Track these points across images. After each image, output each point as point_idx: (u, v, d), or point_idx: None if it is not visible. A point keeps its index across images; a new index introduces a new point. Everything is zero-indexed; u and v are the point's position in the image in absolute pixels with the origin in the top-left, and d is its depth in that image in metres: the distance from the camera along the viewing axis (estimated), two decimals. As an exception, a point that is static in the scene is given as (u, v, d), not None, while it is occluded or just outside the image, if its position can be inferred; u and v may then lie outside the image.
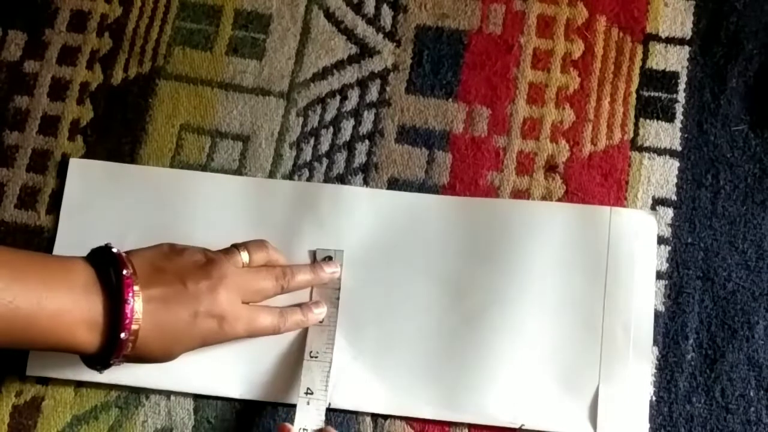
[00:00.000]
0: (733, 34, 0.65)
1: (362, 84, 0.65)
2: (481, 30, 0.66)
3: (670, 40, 0.65)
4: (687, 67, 0.65)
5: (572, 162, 0.63)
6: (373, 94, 0.65)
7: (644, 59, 0.65)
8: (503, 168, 0.63)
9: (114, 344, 0.50)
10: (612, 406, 0.58)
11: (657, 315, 0.60)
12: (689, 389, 0.59)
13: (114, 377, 0.59)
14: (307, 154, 0.64)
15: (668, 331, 0.60)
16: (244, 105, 0.65)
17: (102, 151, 0.65)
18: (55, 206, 0.64)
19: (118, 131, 0.65)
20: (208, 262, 0.54)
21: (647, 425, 0.58)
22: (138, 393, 0.60)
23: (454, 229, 0.62)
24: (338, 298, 0.60)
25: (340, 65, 0.66)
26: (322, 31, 0.67)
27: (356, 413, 0.59)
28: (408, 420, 0.59)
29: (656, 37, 0.65)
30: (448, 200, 0.62)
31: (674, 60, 0.65)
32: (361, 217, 0.62)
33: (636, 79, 0.64)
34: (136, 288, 0.50)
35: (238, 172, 0.64)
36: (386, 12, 0.67)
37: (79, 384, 0.60)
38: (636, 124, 0.64)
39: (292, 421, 0.58)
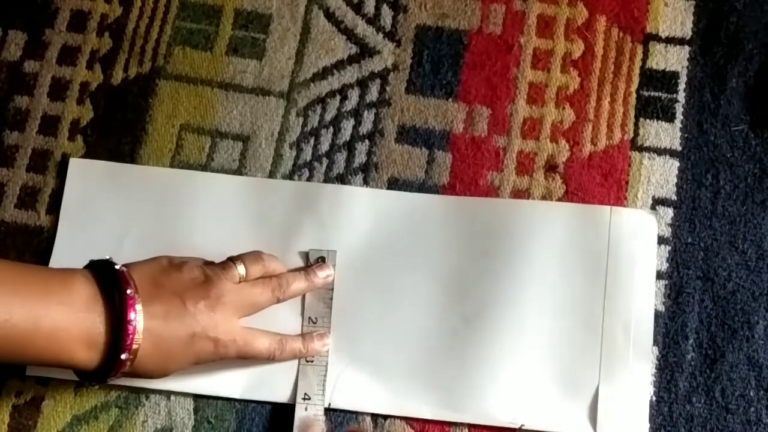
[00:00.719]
0: (733, 34, 0.65)
1: (362, 84, 0.65)
2: (481, 30, 0.66)
3: (670, 40, 0.65)
4: (687, 67, 0.65)
5: (572, 162, 0.63)
6: (373, 94, 0.65)
7: (644, 59, 0.65)
8: (503, 168, 0.63)
9: (113, 363, 0.49)
10: (612, 407, 0.58)
11: (657, 315, 0.60)
12: (689, 389, 0.59)
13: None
14: (307, 154, 0.64)
15: (668, 331, 0.60)
16: (244, 105, 0.65)
17: (102, 151, 0.65)
18: (55, 206, 0.64)
19: (118, 131, 0.65)
20: (206, 280, 0.54)
21: (647, 425, 0.58)
22: (138, 393, 0.60)
23: (453, 229, 0.62)
24: (331, 299, 0.60)
25: (340, 65, 0.66)
26: (322, 31, 0.67)
27: (356, 413, 0.59)
28: (408, 420, 0.59)
29: (656, 37, 0.65)
30: (447, 200, 0.62)
31: (674, 60, 0.65)
32: (360, 216, 0.62)
33: (636, 79, 0.64)
34: (138, 307, 0.50)
35: (238, 172, 0.64)
36: (386, 12, 0.67)
37: (79, 384, 0.60)
38: (636, 124, 0.64)
39: (291, 424, 0.58)
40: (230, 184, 0.63)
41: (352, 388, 0.59)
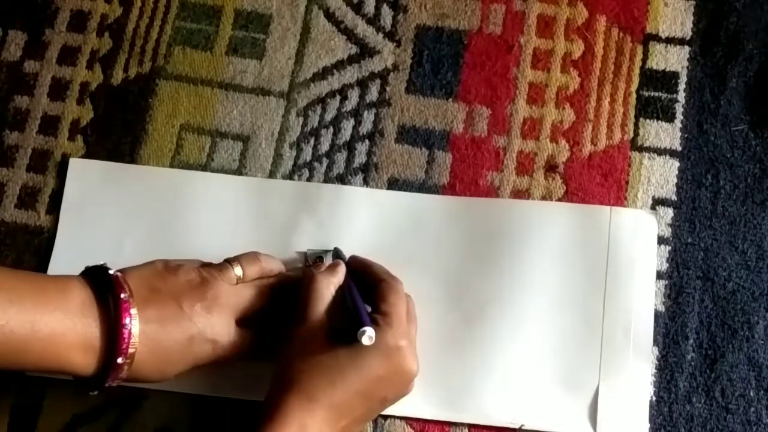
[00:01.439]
0: (733, 34, 0.65)
1: (362, 84, 0.65)
2: (481, 30, 0.66)
3: (670, 40, 0.65)
4: (687, 67, 0.65)
5: (572, 162, 0.63)
6: (373, 94, 0.65)
7: (644, 59, 0.65)
8: (503, 168, 0.63)
9: (110, 367, 0.49)
10: (612, 406, 0.58)
11: (657, 315, 0.60)
12: (689, 389, 0.59)
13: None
14: (307, 154, 0.64)
15: (668, 331, 0.60)
16: (244, 105, 0.65)
17: (102, 151, 0.65)
18: (55, 206, 0.64)
19: (118, 131, 0.65)
20: (202, 282, 0.53)
21: (647, 425, 0.58)
22: (138, 393, 0.60)
23: (452, 229, 0.62)
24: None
25: (340, 65, 0.66)
26: (322, 31, 0.67)
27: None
28: (408, 420, 0.59)
29: (656, 37, 0.65)
30: (447, 200, 0.62)
31: (674, 60, 0.65)
32: (359, 217, 0.62)
33: (636, 79, 0.64)
34: (133, 311, 0.49)
35: (238, 172, 0.64)
36: (386, 12, 0.67)
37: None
38: (636, 124, 0.64)
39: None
40: (230, 184, 0.63)
41: None
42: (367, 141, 0.64)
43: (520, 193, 0.63)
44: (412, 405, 0.58)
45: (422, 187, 0.63)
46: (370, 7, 0.67)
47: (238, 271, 0.56)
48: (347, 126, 0.65)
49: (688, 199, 0.62)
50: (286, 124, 0.65)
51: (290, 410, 0.49)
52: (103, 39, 0.67)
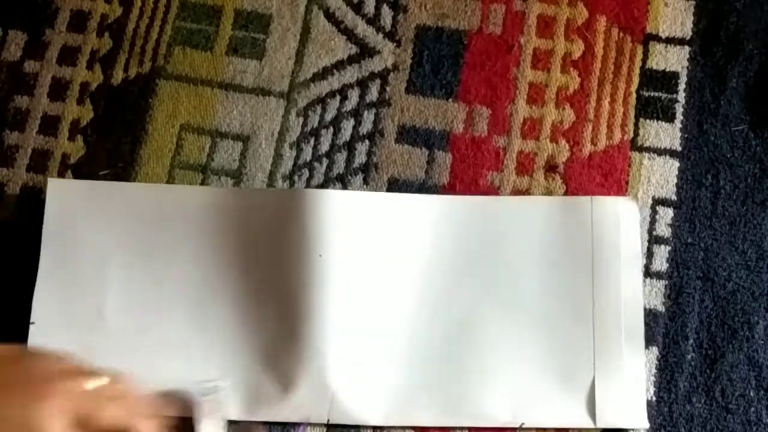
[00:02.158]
0: (733, 34, 0.65)
1: (362, 84, 0.65)
2: (481, 30, 0.66)
3: (670, 40, 0.65)
4: (687, 67, 0.65)
5: (572, 162, 0.63)
6: (373, 94, 0.65)
7: (644, 59, 0.65)
8: (503, 168, 0.63)
9: None
10: (609, 395, 0.58)
11: (657, 315, 0.60)
12: (689, 389, 0.59)
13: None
14: (307, 154, 0.64)
15: (668, 331, 0.60)
16: (244, 105, 0.65)
17: (102, 151, 0.65)
18: (55, 206, 0.64)
19: (118, 131, 0.65)
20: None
21: (645, 411, 0.58)
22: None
23: (437, 230, 0.61)
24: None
25: (340, 65, 0.66)
26: (322, 31, 0.67)
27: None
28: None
29: (656, 37, 0.65)
30: (427, 199, 0.62)
31: (674, 60, 0.65)
32: (341, 222, 0.60)
33: (636, 79, 0.64)
34: None
35: (239, 172, 0.64)
36: (386, 12, 0.67)
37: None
38: (636, 124, 0.64)
39: None
40: (213, 196, 0.62)
41: (349, 402, 0.58)
42: (367, 141, 0.64)
43: (520, 193, 0.63)
44: (411, 414, 0.58)
45: (422, 187, 0.63)
46: (370, 7, 0.67)
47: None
48: (347, 126, 0.65)
49: (688, 199, 0.62)
50: (286, 124, 0.65)
51: None
52: (103, 39, 0.67)
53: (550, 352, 0.59)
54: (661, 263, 0.61)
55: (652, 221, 0.62)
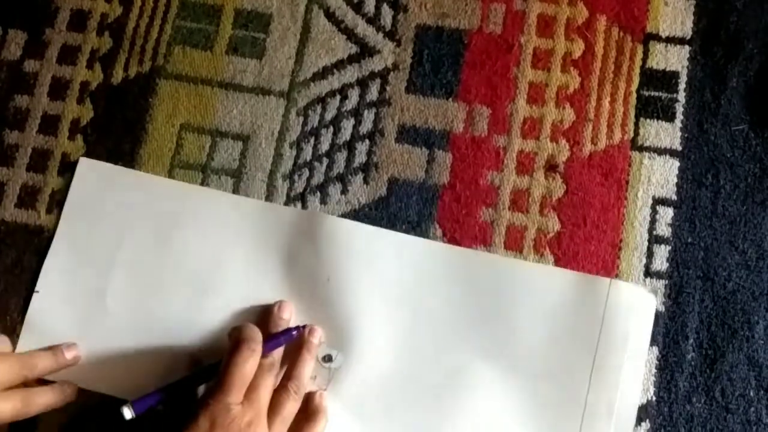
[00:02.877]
0: (733, 34, 0.65)
1: (362, 83, 0.65)
2: (482, 29, 0.66)
3: (670, 40, 0.65)
4: (687, 67, 0.65)
5: (572, 162, 0.63)
6: (373, 93, 0.65)
7: (644, 59, 0.65)
8: (503, 168, 0.63)
9: None
10: None
11: (657, 315, 0.60)
12: (689, 389, 0.59)
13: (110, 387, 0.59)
14: (307, 153, 0.64)
15: (668, 331, 0.60)
16: (244, 104, 0.65)
17: (102, 151, 0.65)
18: (55, 205, 0.64)
19: (118, 131, 0.65)
20: None
21: None
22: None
23: (446, 279, 0.60)
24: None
25: (340, 65, 0.66)
26: (322, 31, 0.67)
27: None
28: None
29: (656, 37, 0.65)
30: (446, 249, 0.61)
31: (674, 60, 0.65)
32: (356, 251, 0.60)
33: (636, 79, 0.64)
34: None
35: (239, 171, 0.64)
36: (386, 11, 0.67)
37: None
38: (636, 124, 0.64)
39: None
40: (233, 204, 0.62)
41: None
42: (367, 140, 0.64)
43: (520, 193, 0.63)
44: None
45: (422, 187, 0.63)
46: (370, 6, 0.67)
47: None
48: (347, 125, 0.65)
49: (688, 198, 0.62)
50: (286, 124, 0.65)
51: None
52: (103, 38, 0.67)
53: (535, 424, 0.57)
54: (661, 263, 0.61)
55: (652, 221, 0.62)
